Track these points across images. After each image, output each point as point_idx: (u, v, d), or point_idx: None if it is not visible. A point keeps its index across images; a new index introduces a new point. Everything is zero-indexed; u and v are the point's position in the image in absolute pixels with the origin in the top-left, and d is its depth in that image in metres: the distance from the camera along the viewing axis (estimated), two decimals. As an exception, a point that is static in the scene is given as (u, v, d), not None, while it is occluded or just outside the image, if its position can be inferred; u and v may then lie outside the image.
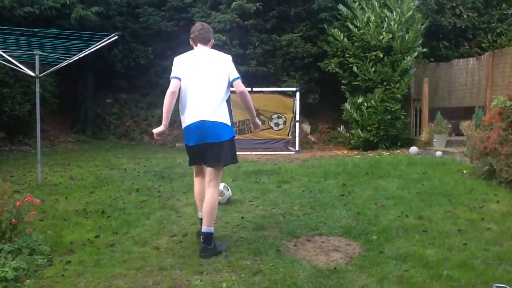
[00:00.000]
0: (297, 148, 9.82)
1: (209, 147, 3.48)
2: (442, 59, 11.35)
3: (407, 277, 2.98)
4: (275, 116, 10.13)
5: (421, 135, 9.32)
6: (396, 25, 9.39)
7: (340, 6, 10.18)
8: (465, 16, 11.58)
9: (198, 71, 3.53)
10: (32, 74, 6.11)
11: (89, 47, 6.07)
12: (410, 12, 9.51)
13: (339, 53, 10.14)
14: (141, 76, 11.95)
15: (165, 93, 3.51)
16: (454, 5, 11.59)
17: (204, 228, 3.44)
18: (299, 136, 10.01)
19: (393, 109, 9.44)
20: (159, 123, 3.54)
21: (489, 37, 11.72)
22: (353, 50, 9.75)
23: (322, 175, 6.54)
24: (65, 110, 11.48)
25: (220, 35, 9.85)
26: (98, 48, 6.17)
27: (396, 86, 9.49)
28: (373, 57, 9.48)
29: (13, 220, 3.35)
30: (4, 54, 5.98)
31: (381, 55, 9.45)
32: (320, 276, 3.00)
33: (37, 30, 6.63)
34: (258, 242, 3.68)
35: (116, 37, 6.07)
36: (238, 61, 8.89)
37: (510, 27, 11.64)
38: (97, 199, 5.28)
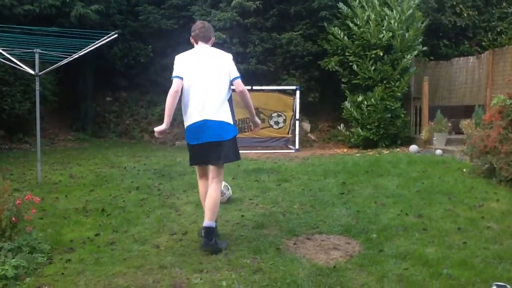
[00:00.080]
0: (297, 147, 9.82)
1: (211, 146, 3.51)
2: (442, 57, 11.35)
3: (406, 275, 2.98)
4: (275, 114, 10.13)
5: (421, 134, 9.32)
6: (396, 24, 9.38)
7: (340, 5, 10.17)
8: (465, 15, 11.58)
9: (199, 69, 3.55)
10: (32, 72, 6.10)
11: (89, 45, 6.06)
12: (410, 11, 9.50)
13: (339, 51, 10.13)
14: (141, 75, 11.95)
15: (165, 91, 3.52)
16: (454, 3, 11.59)
17: (206, 223, 3.45)
18: (299, 134, 10.01)
19: (393, 108, 9.44)
20: (159, 121, 3.56)
21: (489, 36, 11.72)
22: (353, 49, 9.74)
23: (322, 173, 6.54)
24: (65, 108, 11.48)
25: (220, 33, 9.84)
26: (98, 46, 6.17)
27: (396, 85, 9.48)
28: (373, 55, 9.47)
29: (13, 218, 3.35)
30: (4, 52, 5.98)
31: (381, 54, 9.44)
32: (320, 275, 3.00)
33: (37, 28, 6.62)
34: (258, 240, 3.68)
35: (116, 35, 6.07)
36: (238, 60, 8.89)
37: (510, 25, 11.64)
38: (97, 197, 5.28)
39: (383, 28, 9.46)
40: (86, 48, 6.09)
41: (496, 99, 6.03)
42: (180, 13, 11.33)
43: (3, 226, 3.33)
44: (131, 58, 11.61)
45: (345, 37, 9.86)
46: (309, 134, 11.48)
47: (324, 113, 11.88)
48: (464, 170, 6.37)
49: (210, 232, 3.43)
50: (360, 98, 9.63)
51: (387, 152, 8.90)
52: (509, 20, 11.68)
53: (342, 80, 10.15)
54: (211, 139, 3.49)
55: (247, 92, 3.63)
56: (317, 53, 10.73)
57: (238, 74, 3.62)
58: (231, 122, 3.60)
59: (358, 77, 9.69)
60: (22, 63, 6.19)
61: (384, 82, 9.50)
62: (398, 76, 9.50)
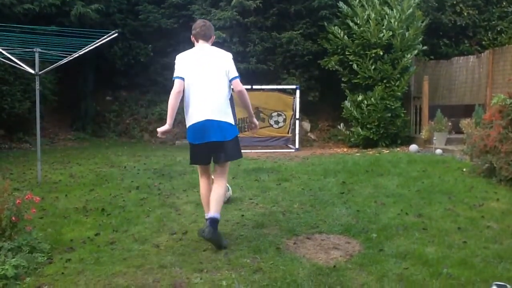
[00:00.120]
0: (297, 146, 9.82)
1: (214, 146, 3.56)
2: (442, 56, 11.35)
3: (406, 275, 2.98)
4: (275, 114, 10.13)
5: (421, 133, 9.31)
6: (396, 23, 9.38)
7: (340, 4, 10.16)
8: (465, 14, 11.57)
9: (200, 69, 3.57)
10: (32, 71, 6.10)
11: (89, 44, 6.06)
12: (411, 10, 9.49)
13: (339, 50, 10.12)
14: (141, 74, 11.95)
15: (165, 91, 3.56)
16: (455, 2, 11.58)
17: (212, 213, 3.51)
18: (299, 134, 10.01)
19: (393, 107, 9.43)
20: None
21: (489, 35, 11.72)
22: (353, 48, 9.73)
23: (322, 173, 6.54)
24: (65, 108, 11.48)
25: (220, 32, 9.83)
26: (98, 46, 6.16)
27: (396, 84, 9.48)
28: (373, 54, 9.47)
29: (13, 218, 3.35)
30: (3, 52, 5.97)
31: (381, 53, 9.43)
32: (320, 274, 3.01)
33: (37, 27, 6.62)
34: (258, 240, 3.68)
35: (116, 34, 6.07)
36: (238, 59, 8.89)
37: (510, 24, 11.63)
38: (97, 197, 5.28)
39: (383, 27, 9.45)
40: (86, 47, 6.09)
41: (496, 98, 6.02)
42: (180, 12, 11.33)
43: (3, 226, 3.33)
44: (131, 57, 11.60)
45: (345, 36, 9.85)
46: (309, 134, 11.48)
47: (324, 112, 11.88)
48: (464, 169, 6.37)
49: (215, 222, 3.49)
50: (360, 98, 9.63)
51: (387, 151, 8.90)
52: (509, 19, 11.67)
53: (342, 79, 10.14)
54: (213, 139, 3.53)
55: (245, 92, 3.66)
56: (317, 52, 10.73)
57: (237, 74, 3.64)
58: (233, 122, 3.64)
59: (358, 76, 9.68)
60: (22, 62, 6.18)
61: (384, 81, 9.50)
62: (398, 75, 9.50)
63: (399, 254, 3.34)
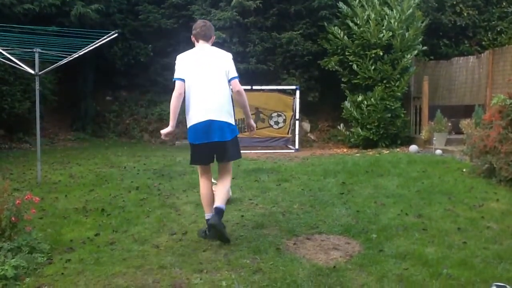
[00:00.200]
0: (297, 147, 9.82)
1: (215, 146, 3.62)
2: (442, 57, 11.35)
3: (406, 275, 2.98)
4: (275, 114, 10.13)
5: (421, 134, 9.31)
6: (396, 23, 9.38)
7: (340, 4, 10.16)
8: (465, 14, 11.57)
9: (200, 69, 3.61)
10: (32, 71, 6.10)
11: (89, 44, 6.06)
12: (410, 10, 9.49)
13: (339, 51, 10.12)
14: (141, 74, 11.94)
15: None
16: (455, 3, 11.58)
17: (219, 205, 3.60)
18: (299, 134, 10.01)
19: (393, 107, 9.43)
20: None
21: (489, 35, 11.72)
22: (353, 48, 9.73)
23: (321, 173, 6.54)
24: (65, 108, 11.47)
25: (220, 32, 9.83)
26: (98, 46, 6.16)
27: (396, 84, 9.48)
28: (373, 55, 9.47)
29: (13, 218, 3.34)
30: (3, 52, 5.97)
31: (381, 53, 9.43)
32: (319, 275, 3.00)
33: (37, 27, 6.62)
34: (257, 240, 3.68)
35: (116, 34, 6.07)
36: (238, 59, 8.87)
37: (510, 25, 11.63)
38: (96, 197, 5.28)
39: (383, 27, 9.46)
40: (86, 47, 6.09)
41: (496, 98, 6.02)
42: (180, 12, 11.32)
43: (3, 226, 3.32)
44: (131, 57, 11.60)
45: (345, 37, 9.85)
46: (309, 134, 11.48)
47: (324, 113, 11.88)
48: (464, 170, 6.37)
49: (220, 211, 3.58)
50: (360, 98, 9.63)
51: (387, 152, 8.90)
52: (509, 20, 11.67)
53: (342, 79, 10.14)
54: (214, 139, 3.57)
55: (244, 93, 3.70)
56: (317, 53, 10.73)
57: (236, 74, 3.68)
58: (233, 122, 3.69)
59: (358, 76, 9.68)
60: (22, 63, 6.18)
61: (384, 81, 9.50)
62: (398, 75, 9.50)
63: (399, 254, 3.34)
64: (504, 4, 11.87)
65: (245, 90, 3.80)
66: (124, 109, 12.11)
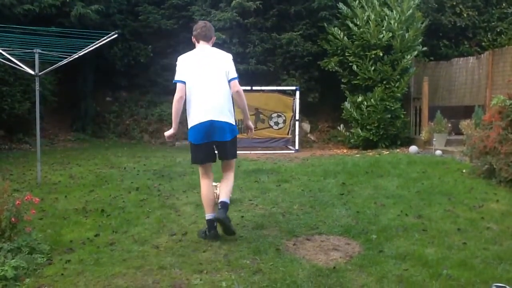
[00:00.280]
0: (296, 147, 9.82)
1: (217, 145, 3.70)
2: (442, 58, 11.35)
3: (406, 276, 2.98)
4: (275, 115, 10.13)
5: (421, 134, 9.32)
6: (396, 24, 9.39)
7: (340, 5, 10.17)
8: (465, 15, 11.57)
9: (201, 70, 3.67)
10: (32, 72, 6.10)
11: (89, 45, 6.06)
12: (410, 11, 9.50)
13: (339, 51, 10.13)
14: (141, 75, 11.94)
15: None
16: (454, 3, 11.58)
17: (224, 199, 3.70)
18: (299, 135, 10.01)
19: (393, 108, 9.44)
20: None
21: (489, 36, 11.72)
22: (353, 49, 9.74)
23: (321, 174, 6.54)
24: (65, 109, 11.47)
25: (220, 33, 9.83)
26: (98, 46, 6.16)
27: (396, 85, 9.48)
28: (373, 55, 9.47)
29: (13, 219, 3.34)
30: (3, 52, 5.97)
31: (381, 54, 9.44)
32: (319, 275, 3.00)
33: (36, 28, 6.61)
34: (257, 241, 3.68)
35: (116, 35, 6.07)
36: (237, 60, 8.88)
37: (510, 26, 11.64)
38: (96, 197, 5.28)
39: (383, 28, 9.46)
40: (86, 48, 6.09)
41: (496, 99, 6.02)
42: (180, 13, 11.33)
43: (3, 227, 3.32)
44: (131, 58, 11.60)
45: (345, 38, 9.86)
46: (309, 135, 11.48)
47: (324, 113, 11.88)
48: (464, 170, 6.37)
49: (225, 205, 3.67)
50: (360, 99, 9.63)
51: (387, 152, 8.90)
52: (509, 21, 11.68)
53: (342, 80, 10.15)
54: (216, 139, 3.65)
55: (243, 93, 3.77)
56: (317, 54, 10.74)
57: (236, 75, 3.74)
58: (234, 122, 3.77)
59: (358, 77, 9.69)
60: (22, 63, 6.18)
61: (384, 82, 9.50)
62: (398, 76, 9.50)
63: (399, 255, 3.34)
64: (504, 5, 11.88)
65: (245, 90, 3.84)
66: (124, 109, 12.10)
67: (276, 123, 10.15)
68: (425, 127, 9.15)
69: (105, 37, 5.96)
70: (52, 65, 6.49)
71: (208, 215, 3.72)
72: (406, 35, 9.46)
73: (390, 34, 9.36)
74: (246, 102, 3.83)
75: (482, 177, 5.85)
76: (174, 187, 5.77)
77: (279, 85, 10.58)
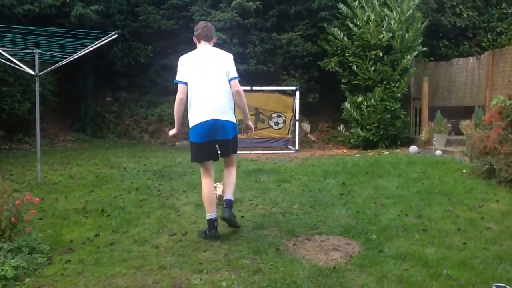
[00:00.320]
0: (296, 147, 9.82)
1: (219, 144, 3.76)
2: (442, 58, 11.35)
3: (406, 276, 2.98)
4: (275, 115, 10.13)
5: (421, 134, 9.32)
6: (396, 24, 9.39)
7: (340, 5, 10.18)
8: (465, 15, 11.58)
9: (202, 70, 3.71)
10: (32, 72, 6.10)
11: (89, 45, 6.06)
12: (410, 11, 9.51)
13: (339, 52, 10.13)
14: (141, 75, 11.94)
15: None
16: (454, 4, 11.59)
17: (229, 196, 3.81)
18: (299, 135, 10.02)
19: (393, 108, 9.44)
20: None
21: (489, 36, 11.73)
22: (353, 49, 9.74)
23: (321, 174, 6.54)
24: (65, 109, 11.47)
25: (220, 33, 9.83)
26: (98, 47, 6.16)
27: (396, 85, 9.49)
28: (373, 56, 9.48)
29: (13, 219, 3.35)
30: (3, 53, 5.97)
31: (381, 54, 9.45)
32: (319, 275, 3.00)
33: (36, 28, 6.62)
34: (257, 241, 3.68)
35: (116, 35, 6.07)
36: (238, 60, 8.83)
37: (510, 26, 11.65)
38: (96, 198, 5.28)
39: (383, 28, 9.47)
40: (86, 48, 6.09)
41: (496, 99, 6.03)
42: (180, 14, 11.33)
43: (3, 227, 3.33)
44: (131, 58, 11.60)
45: (345, 38, 9.86)
46: (309, 135, 11.48)
47: (324, 113, 11.88)
48: (464, 171, 6.37)
49: (230, 203, 3.79)
50: (360, 99, 9.64)
51: (387, 152, 8.90)
52: (509, 21, 11.68)
53: (342, 80, 10.15)
54: (217, 138, 3.71)
55: (243, 93, 3.82)
56: (317, 54, 10.74)
57: (236, 75, 3.79)
58: (235, 120, 3.83)
59: (358, 77, 9.69)
60: (22, 63, 6.18)
61: (384, 82, 9.50)
62: (398, 76, 9.51)
63: (399, 255, 3.34)
64: (504, 5, 11.89)
65: (245, 91, 3.86)
66: (124, 110, 12.10)
67: (276, 123, 10.16)
68: (425, 127, 9.15)
69: (105, 37, 5.97)
70: (52, 65, 6.49)
71: (209, 215, 3.73)
72: (406, 35, 9.46)
73: (390, 35, 9.36)
74: (246, 102, 3.88)
75: (482, 177, 5.85)
76: (174, 187, 5.77)
77: (279, 85, 10.58)
